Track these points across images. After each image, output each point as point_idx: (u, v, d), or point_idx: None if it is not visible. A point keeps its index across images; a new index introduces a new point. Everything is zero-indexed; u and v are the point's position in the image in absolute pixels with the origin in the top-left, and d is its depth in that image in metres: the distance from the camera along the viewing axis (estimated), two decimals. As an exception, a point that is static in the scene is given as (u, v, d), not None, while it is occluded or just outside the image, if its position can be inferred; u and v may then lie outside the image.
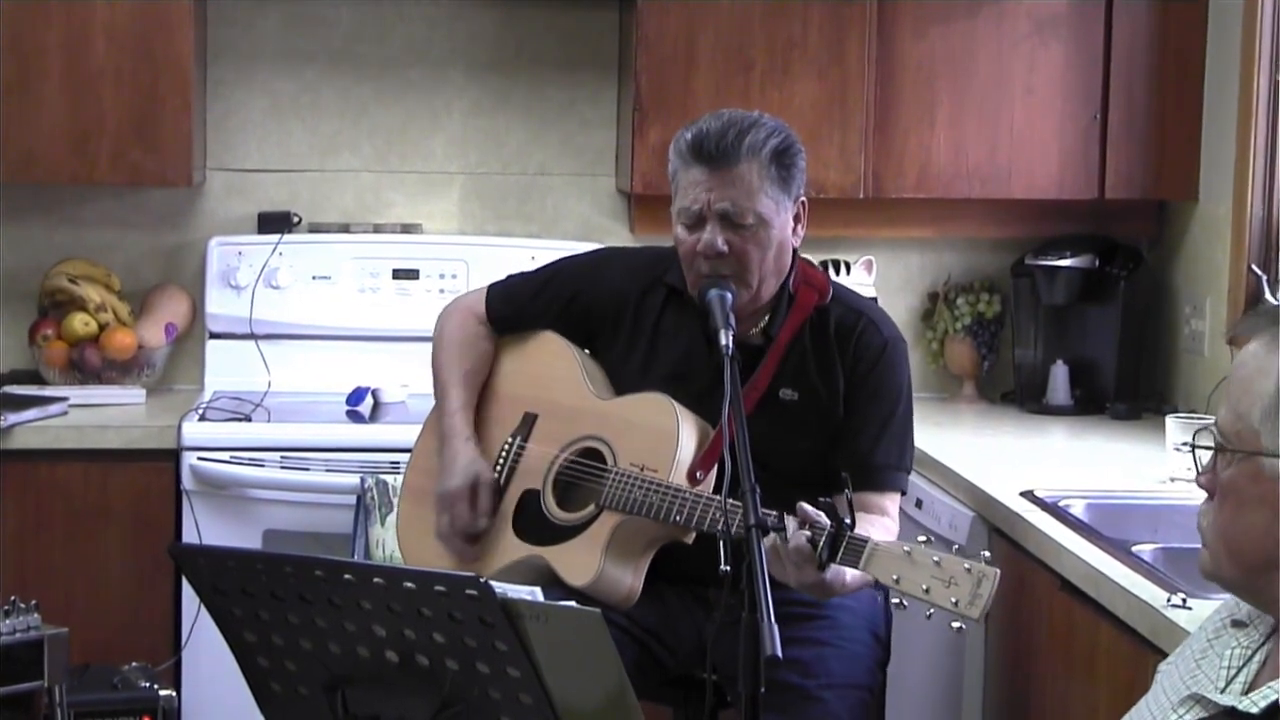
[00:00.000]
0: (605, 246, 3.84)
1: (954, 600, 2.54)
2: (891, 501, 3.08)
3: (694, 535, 2.96)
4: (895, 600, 2.62)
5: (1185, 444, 2.06)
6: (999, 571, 2.56)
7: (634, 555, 3.01)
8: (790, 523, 2.67)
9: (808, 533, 2.64)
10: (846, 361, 3.10)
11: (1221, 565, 1.98)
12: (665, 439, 3.00)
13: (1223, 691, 1.95)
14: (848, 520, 2.64)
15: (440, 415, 3.28)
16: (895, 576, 2.59)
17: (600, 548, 2.98)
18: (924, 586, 2.57)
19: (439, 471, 3.20)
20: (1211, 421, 2.01)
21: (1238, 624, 2.02)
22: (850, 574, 2.70)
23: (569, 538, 3.05)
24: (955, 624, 2.57)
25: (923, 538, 2.67)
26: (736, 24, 4.28)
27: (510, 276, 3.42)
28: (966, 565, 2.55)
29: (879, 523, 2.97)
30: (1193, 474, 2.05)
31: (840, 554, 2.64)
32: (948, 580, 2.55)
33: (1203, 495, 2.03)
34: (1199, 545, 3.09)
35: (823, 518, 2.65)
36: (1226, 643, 2.01)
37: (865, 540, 2.63)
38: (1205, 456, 2.00)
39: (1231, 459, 1.95)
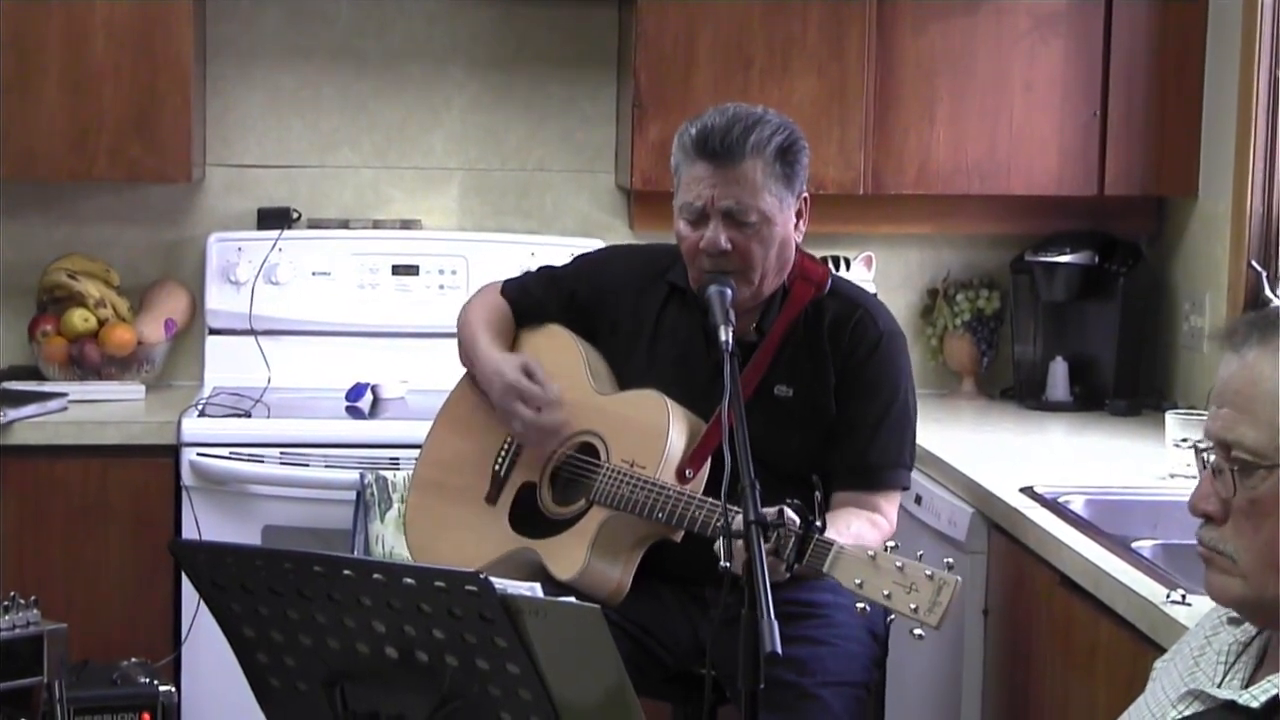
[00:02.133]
0: (615, 244, 3.86)
1: (913, 606, 2.56)
2: (888, 500, 3.08)
3: (682, 534, 2.96)
4: (860, 606, 2.63)
5: (1218, 470, 1.93)
6: (960, 580, 2.57)
7: (622, 551, 3.01)
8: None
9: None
10: (840, 354, 3.09)
11: (1266, 586, 1.88)
12: (655, 436, 3.01)
13: (1220, 685, 1.95)
14: (817, 523, 2.65)
15: (472, 359, 3.29)
16: (858, 580, 2.61)
17: (587, 542, 2.99)
18: (885, 592, 2.58)
19: (485, 387, 3.21)
20: (1210, 443, 1.93)
21: (1234, 620, 2.02)
22: None
23: (560, 531, 3.06)
24: (915, 630, 2.58)
25: (891, 542, 2.68)
26: (736, 21, 4.28)
27: (526, 272, 3.47)
28: (928, 572, 2.56)
29: (872, 517, 2.98)
30: (1203, 499, 1.94)
31: (807, 557, 2.65)
32: (909, 586, 2.56)
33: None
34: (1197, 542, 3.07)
35: (793, 519, 2.67)
36: (1224, 640, 2.01)
37: (831, 544, 2.65)
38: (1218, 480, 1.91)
39: (1269, 475, 1.87)
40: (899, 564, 2.58)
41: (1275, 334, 1.90)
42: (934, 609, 2.54)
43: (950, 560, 2.61)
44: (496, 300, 3.36)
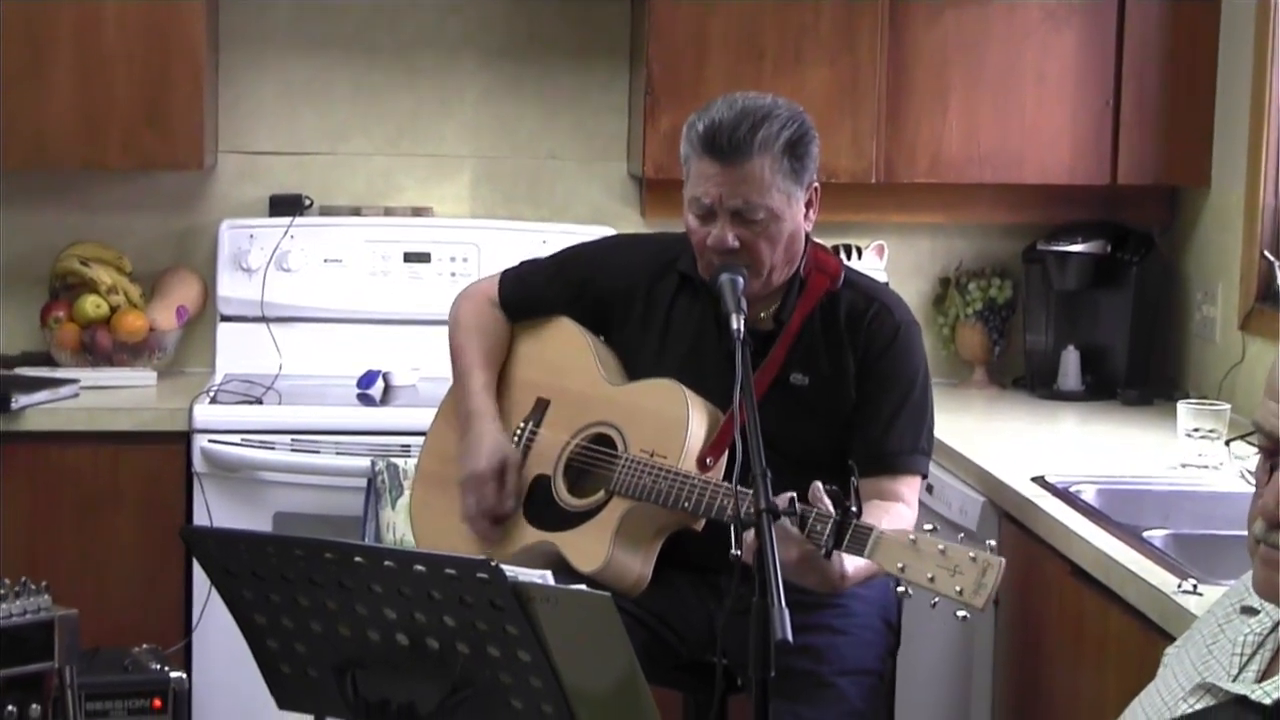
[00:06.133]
0: (617, 233, 3.84)
1: (958, 589, 2.55)
2: (908, 487, 3.06)
3: (704, 522, 2.96)
4: (900, 589, 2.63)
5: None
6: (1004, 561, 2.56)
7: (643, 542, 3.00)
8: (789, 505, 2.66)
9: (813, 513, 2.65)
10: (858, 347, 3.09)
11: None
12: (675, 425, 3.00)
13: (1234, 680, 1.94)
14: (854, 508, 2.64)
15: (463, 396, 3.26)
16: (900, 565, 2.60)
17: (609, 534, 2.98)
18: (929, 575, 2.57)
19: (463, 453, 3.18)
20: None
21: (1248, 610, 2.00)
22: (850, 567, 2.71)
23: (579, 524, 3.04)
24: (960, 613, 2.57)
25: (929, 526, 2.67)
26: (748, 10, 4.28)
27: (523, 263, 3.41)
28: (972, 554, 2.55)
29: (894, 509, 2.97)
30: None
31: (846, 542, 2.64)
32: (953, 569, 2.56)
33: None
34: (1210, 531, 3.08)
35: (829, 505, 2.66)
36: (1238, 629, 1.99)
37: (871, 528, 2.63)
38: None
39: None
40: (941, 547, 2.57)
41: None
42: (979, 591, 2.54)
43: (992, 542, 2.61)
44: (491, 315, 3.31)
